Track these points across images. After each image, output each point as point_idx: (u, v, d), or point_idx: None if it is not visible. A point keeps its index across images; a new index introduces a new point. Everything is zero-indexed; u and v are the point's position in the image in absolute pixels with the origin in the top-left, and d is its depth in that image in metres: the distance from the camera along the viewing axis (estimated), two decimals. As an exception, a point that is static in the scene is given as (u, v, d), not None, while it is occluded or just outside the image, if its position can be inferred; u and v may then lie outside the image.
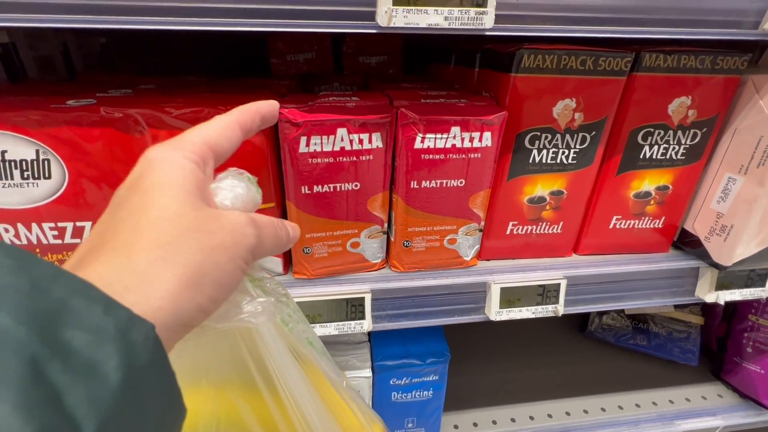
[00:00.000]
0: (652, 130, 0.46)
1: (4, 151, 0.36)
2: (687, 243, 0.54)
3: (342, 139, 0.39)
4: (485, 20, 0.33)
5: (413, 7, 0.32)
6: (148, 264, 0.17)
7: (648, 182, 0.50)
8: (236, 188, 0.24)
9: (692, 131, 0.47)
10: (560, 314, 0.51)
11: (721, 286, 0.53)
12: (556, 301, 0.50)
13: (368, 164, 0.42)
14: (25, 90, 0.44)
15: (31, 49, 0.58)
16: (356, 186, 0.42)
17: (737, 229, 0.48)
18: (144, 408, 0.15)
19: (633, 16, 0.37)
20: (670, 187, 0.50)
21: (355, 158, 0.41)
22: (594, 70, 0.42)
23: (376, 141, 0.41)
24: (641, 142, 0.47)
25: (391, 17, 0.32)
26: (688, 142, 0.48)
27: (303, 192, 0.41)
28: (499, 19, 0.34)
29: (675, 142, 0.47)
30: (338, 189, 0.42)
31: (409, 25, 0.33)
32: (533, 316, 0.50)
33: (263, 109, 0.26)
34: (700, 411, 0.74)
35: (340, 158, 0.40)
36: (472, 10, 0.33)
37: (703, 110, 0.46)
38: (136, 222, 0.19)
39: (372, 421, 0.36)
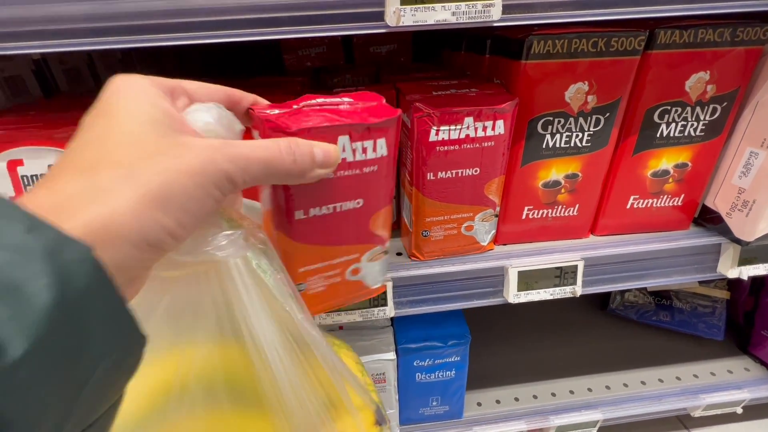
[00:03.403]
0: (669, 108, 0.46)
1: (50, 165, 0.40)
2: (708, 219, 0.54)
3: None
4: (492, 12, 0.34)
5: (421, 5, 0.33)
6: (111, 181, 0.18)
7: (666, 160, 0.49)
8: (205, 115, 0.23)
9: (711, 107, 0.46)
10: (578, 295, 0.52)
11: (744, 261, 0.53)
12: (574, 282, 0.51)
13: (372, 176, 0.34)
14: (61, 105, 0.47)
15: (60, 63, 0.61)
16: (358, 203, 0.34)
17: (760, 204, 0.47)
18: (89, 332, 0.15)
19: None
20: (689, 164, 0.50)
21: (358, 170, 0.33)
22: (606, 51, 0.42)
23: (381, 149, 0.33)
24: (658, 121, 0.47)
25: (399, 17, 0.33)
26: (707, 118, 0.47)
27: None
28: (506, 9, 0.34)
29: (693, 119, 0.47)
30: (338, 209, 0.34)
31: (417, 23, 0.33)
32: (551, 297, 0.51)
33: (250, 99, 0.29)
34: (725, 384, 0.74)
35: (342, 172, 0.32)
36: (479, 3, 0.33)
37: (722, 84, 0.45)
38: (101, 145, 0.19)
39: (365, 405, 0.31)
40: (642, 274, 0.53)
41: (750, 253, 0.52)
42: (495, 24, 0.35)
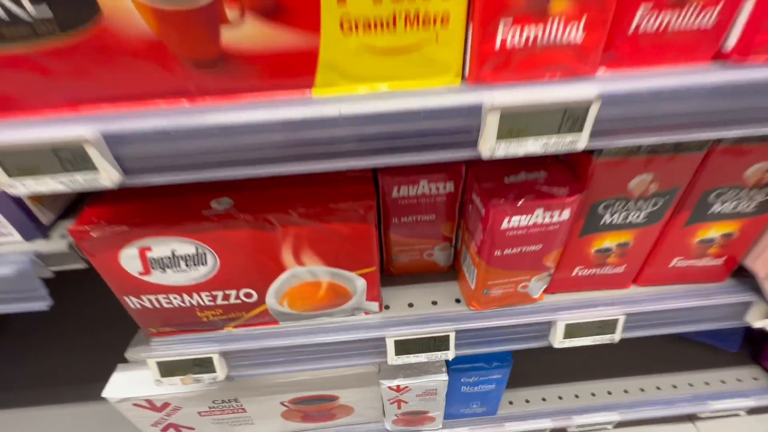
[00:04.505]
0: (725, 191, 0.49)
1: (173, 250, 0.46)
2: (744, 273, 0.58)
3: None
4: (579, 143, 0.37)
5: (515, 139, 0.36)
6: None
7: (714, 231, 0.53)
8: None
9: None
10: (616, 341, 0.58)
11: (771, 314, 0.58)
12: (613, 332, 0.58)
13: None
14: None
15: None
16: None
17: (797, 277, 0.51)
18: None
19: (714, 118, 0.38)
20: (736, 233, 0.53)
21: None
22: (674, 149, 0.44)
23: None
24: (713, 201, 0.50)
25: (494, 151, 0.36)
26: (762, 198, 0.50)
27: None
28: (592, 136, 0.37)
29: (747, 199, 0.50)
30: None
31: (508, 155, 0.37)
32: (592, 343, 0.58)
33: None
34: (733, 392, 0.83)
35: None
36: (569, 137, 0.36)
37: (781, 171, 0.47)
38: None
39: None
40: (676, 323, 0.59)
41: (779, 309, 0.57)
42: (578, 149, 0.38)
